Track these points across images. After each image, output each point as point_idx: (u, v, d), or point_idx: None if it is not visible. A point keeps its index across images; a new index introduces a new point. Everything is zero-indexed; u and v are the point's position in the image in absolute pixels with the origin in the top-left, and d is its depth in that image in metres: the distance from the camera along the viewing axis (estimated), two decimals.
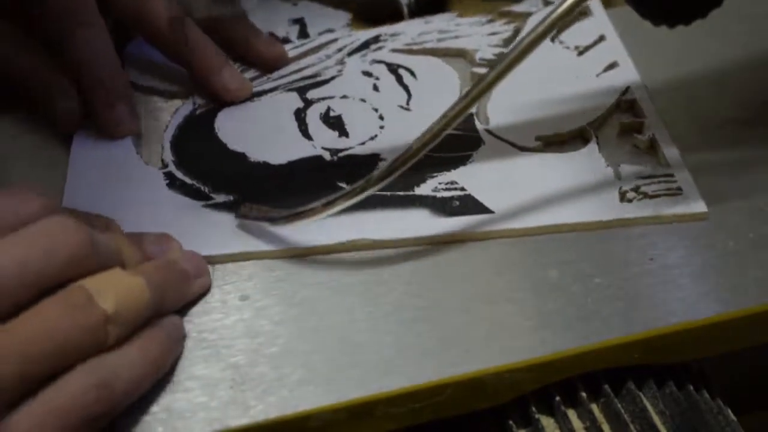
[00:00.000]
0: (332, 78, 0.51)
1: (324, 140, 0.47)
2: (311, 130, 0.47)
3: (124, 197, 0.44)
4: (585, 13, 0.55)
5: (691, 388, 0.40)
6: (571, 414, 0.39)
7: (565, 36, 0.53)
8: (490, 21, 0.55)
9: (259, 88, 0.50)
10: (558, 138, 0.47)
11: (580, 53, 0.52)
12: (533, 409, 0.39)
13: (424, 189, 0.44)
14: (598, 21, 0.54)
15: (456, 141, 0.46)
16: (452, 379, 0.37)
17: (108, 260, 0.36)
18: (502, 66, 0.39)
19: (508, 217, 0.43)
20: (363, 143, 0.47)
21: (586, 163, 0.46)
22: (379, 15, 0.55)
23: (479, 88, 0.39)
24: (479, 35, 0.53)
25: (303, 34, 0.53)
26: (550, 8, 0.53)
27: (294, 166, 0.46)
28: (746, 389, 0.46)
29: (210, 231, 0.42)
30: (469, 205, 0.43)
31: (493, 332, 0.39)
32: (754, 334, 0.41)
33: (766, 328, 0.41)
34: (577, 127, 0.47)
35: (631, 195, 0.44)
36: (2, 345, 0.31)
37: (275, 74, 0.51)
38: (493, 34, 0.53)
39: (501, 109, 0.49)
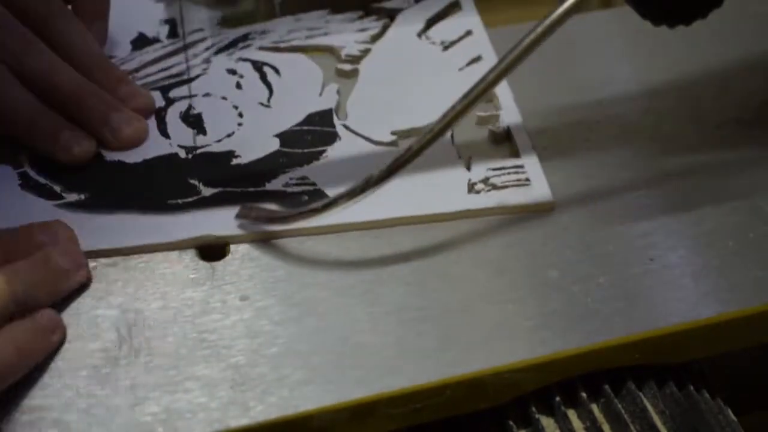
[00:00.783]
0: (197, 77, 0.51)
1: (181, 138, 0.47)
2: (170, 129, 0.47)
3: None
4: (456, 7, 0.55)
5: (692, 388, 0.40)
6: (571, 414, 0.39)
7: (432, 31, 0.54)
8: (361, 18, 0.55)
9: None
10: (414, 132, 0.47)
11: (446, 48, 0.53)
12: (533, 409, 0.39)
13: (275, 184, 0.45)
14: (467, 16, 0.55)
15: (311, 136, 0.47)
16: (452, 380, 0.37)
17: None
18: (501, 67, 0.39)
19: (356, 210, 0.42)
20: (219, 140, 0.47)
21: (439, 156, 0.46)
22: (253, 13, 0.55)
23: (479, 89, 0.39)
24: (348, 32, 0.54)
25: (173, 33, 0.53)
26: (420, 4, 0.55)
27: (149, 165, 0.46)
28: (746, 389, 0.46)
29: None
30: (317, 199, 0.43)
31: (493, 332, 0.39)
32: (754, 334, 0.41)
33: (766, 328, 0.41)
34: (434, 121, 0.48)
35: (479, 186, 0.44)
36: None
37: (141, 73, 0.51)
38: (362, 30, 0.54)
39: (361, 104, 0.49)
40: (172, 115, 0.48)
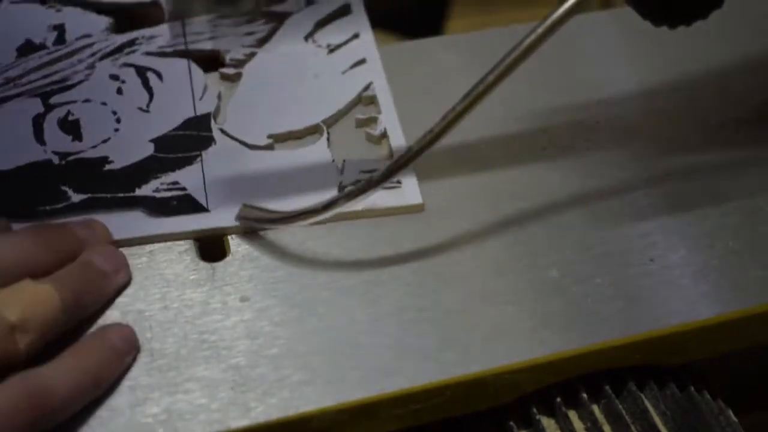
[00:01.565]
0: (79, 82, 0.50)
1: (57, 145, 0.46)
2: (46, 136, 0.47)
3: None
4: (347, 11, 0.55)
5: (692, 388, 0.40)
6: (572, 415, 0.39)
7: (319, 35, 0.54)
8: (249, 21, 0.54)
9: (4, 95, 0.49)
10: (291, 136, 0.47)
11: (331, 51, 0.52)
12: (534, 409, 0.39)
13: (146, 190, 0.44)
14: (356, 19, 0.54)
15: (186, 141, 0.47)
16: (453, 380, 0.37)
17: (10, 275, 0.37)
18: (501, 68, 0.39)
19: (222, 215, 0.43)
20: (95, 146, 0.46)
21: (313, 159, 0.46)
22: (143, 17, 0.54)
23: (478, 90, 0.39)
24: (235, 35, 0.53)
25: (60, 40, 0.53)
26: (311, 8, 0.55)
27: (21, 171, 0.45)
28: (746, 389, 0.46)
29: None
30: (186, 204, 0.43)
31: (493, 333, 0.39)
32: (754, 334, 0.41)
33: (766, 328, 0.41)
34: (311, 124, 0.48)
35: (349, 189, 0.43)
36: None
37: (24, 80, 0.50)
38: (250, 34, 0.53)
39: (240, 108, 0.49)
40: (50, 122, 0.47)
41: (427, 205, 0.44)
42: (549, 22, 0.38)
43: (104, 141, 0.47)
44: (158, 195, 0.44)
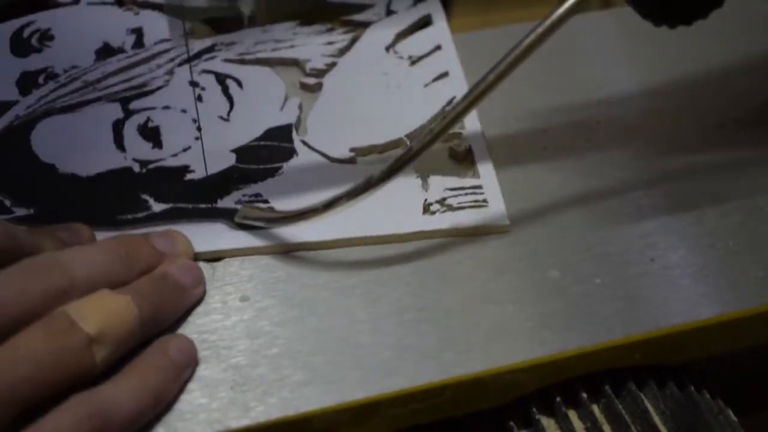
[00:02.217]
0: (158, 88, 0.49)
1: (137, 152, 0.46)
2: (126, 142, 0.46)
3: None
4: (427, 23, 0.54)
5: (692, 388, 0.40)
6: (572, 415, 0.39)
7: (400, 46, 0.53)
8: (329, 30, 0.54)
9: (83, 98, 0.49)
10: (372, 150, 0.46)
11: (413, 63, 0.52)
12: (534, 409, 0.39)
13: (227, 201, 0.44)
14: (438, 30, 0.54)
15: (269, 152, 0.46)
16: (453, 380, 0.37)
17: (88, 284, 0.36)
18: (501, 68, 0.39)
19: (306, 229, 0.42)
20: (175, 155, 0.46)
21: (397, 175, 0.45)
22: (221, 24, 0.54)
23: (478, 90, 0.39)
24: (315, 44, 0.53)
25: (139, 44, 0.52)
26: (391, 18, 0.55)
27: (102, 178, 0.45)
28: (746, 389, 0.46)
29: None
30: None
31: (493, 333, 0.39)
32: (754, 334, 0.41)
33: (766, 328, 0.41)
34: (394, 139, 0.47)
35: (435, 207, 0.43)
36: None
37: (101, 84, 0.49)
38: (330, 43, 0.53)
39: (322, 120, 0.48)
40: (130, 128, 0.47)
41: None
42: (549, 22, 0.38)
43: (185, 150, 0.46)
44: (239, 207, 0.43)
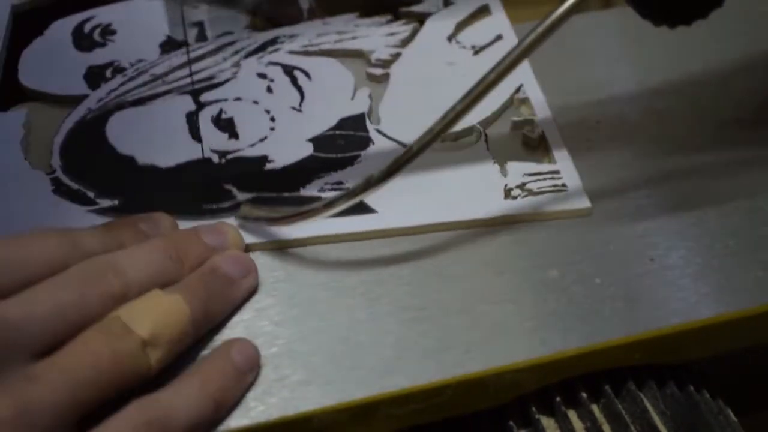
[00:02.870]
0: (227, 80, 0.50)
1: (214, 143, 0.47)
2: (202, 133, 0.47)
3: (10, 201, 0.43)
4: (486, 11, 0.55)
5: (692, 388, 0.40)
6: (572, 414, 0.39)
7: (462, 36, 0.54)
8: (389, 21, 0.55)
9: (153, 92, 0.50)
10: (447, 137, 0.47)
11: (476, 53, 0.53)
12: (534, 409, 0.39)
13: (310, 189, 0.44)
14: (497, 20, 0.55)
15: (345, 141, 0.47)
16: (453, 380, 0.37)
17: (141, 286, 0.36)
18: (501, 67, 0.39)
19: (390, 216, 0.43)
20: (252, 145, 0.47)
21: (473, 161, 0.46)
22: (280, 17, 0.55)
23: (479, 89, 0.39)
24: (377, 36, 0.53)
25: (202, 37, 0.53)
26: (450, 8, 0.55)
27: (182, 169, 0.45)
28: (746, 389, 0.46)
29: None
30: (353, 205, 0.43)
31: (493, 332, 0.39)
32: (754, 334, 0.41)
33: (766, 328, 0.41)
34: (467, 126, 0.48)
35: (515, 192, 0.44)
36: (51, 377, 0.32)
37: (170, 77, 0.51)
38: (391, 34, 0.53)
39: (393, 109, 0.49)
40: (204, 119, 0.48)
41: None
42: (549, 21, 0.38)
43: (261, 140, 0.47)
44: (324, 195, 0.44)
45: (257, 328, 0.39)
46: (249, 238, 0.42)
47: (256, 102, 0.49)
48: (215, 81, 0.50)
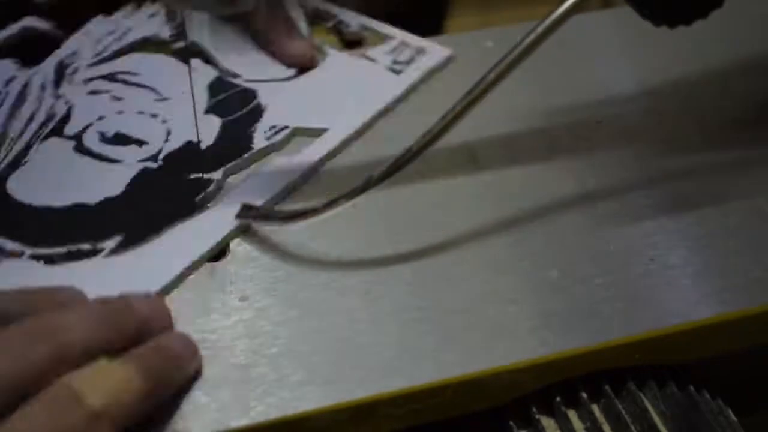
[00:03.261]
0: (70, 110, 0.48)
1: (134, 156, 0.46)
2: (114, 154, 0.46)
3: None
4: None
5: (692, 388, 0.40)
6: (572, 415, 0.39)
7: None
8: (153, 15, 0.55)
9: (18, 152, 0.46)
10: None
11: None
12: (534, 409, 0.39)
13: (260, 140, 0.47)
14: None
15: (233, 99, 0.49)
16: (453, 380, 0.37)
17: (87, 350, 0.33)
18: (502, 67, 0.39)
19: (339, 128, 0.48)
20: (167, 140, 0.47)
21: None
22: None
23: (478, 90, 0.39)
24: (151, 24, 0.54)
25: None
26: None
27: (134, 187, 0.44)
28: (746, 389, 0.46)
29: None
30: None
31: (493, 333, 0.39)
32: (754, 334, 0.41)
33: (766, 328, 0.41)
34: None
35: (398, 67, 0.51)
36: None
37: (25, 132, 0.47)
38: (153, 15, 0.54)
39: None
40: (99, 146, 0.46)
41: (428, 205, 0.44)
42: (549, 21, 0.38)
43: (169, 133, 0.47)
44: (272, 140, 0.47)
45: (257, 328, 0.39)
46: (249, 238, 0.42)
47: (120, 112, 0.48)
48: (61, 116, 0.48)
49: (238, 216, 0.43)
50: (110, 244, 0.42)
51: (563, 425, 0.39)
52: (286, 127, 0.48)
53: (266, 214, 0.42)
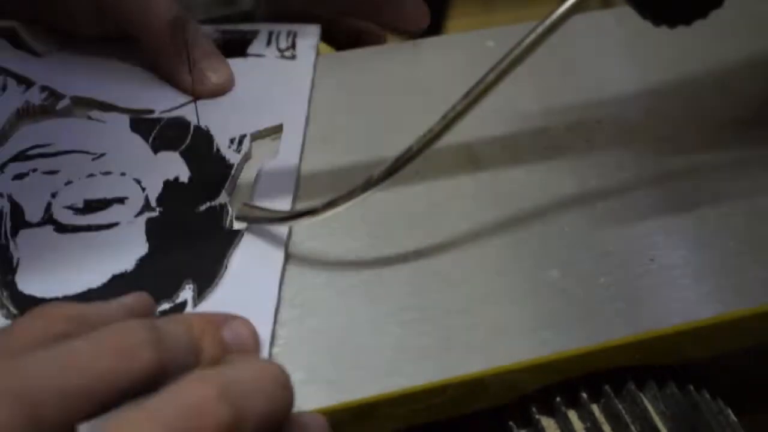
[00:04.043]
0: (12, 200, 0.43)
1: (121, 215, 0.43)
2: (104, 219, 0.43)
3: None
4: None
5: (692, 388, 0.40)
6: (572, 415, 0.39)
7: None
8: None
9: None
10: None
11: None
12: (534, 409, 0.39)
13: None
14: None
15: (166, 128, 0.48)
16: (453, 380, 0.37)
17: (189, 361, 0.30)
18: (502, 66, 0.39)
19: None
20: (144, 191, 0.44)
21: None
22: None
23: (479, 90, 0.39)
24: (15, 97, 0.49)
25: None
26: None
27: (155, 239, 0.42)
28: (746, 389, 0.46)
29: None
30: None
31: (493, 333, 0.39)
32: (754, 334, 0.41)
33: (766, 328, 0.41)
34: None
35: (287, 54, 0.52)
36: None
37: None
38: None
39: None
40: (71, 217, 0.43)
41: (428, 205, 0.44)
42: (549, 21, 0.38)
43: (138, 181, 0.44)
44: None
45: None
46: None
47: (69, 182, 0.44)
48: (8, 213, 0.43)
49: (238, 216, 0.43)
50: (185, 295, 0.39)
51: (563, 425, 0.39)
52: (244, 135, 0.47)
53: (266, 214, 0.42)
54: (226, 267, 0.41)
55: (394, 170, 0.39)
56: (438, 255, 0.42)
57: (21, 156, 0.46)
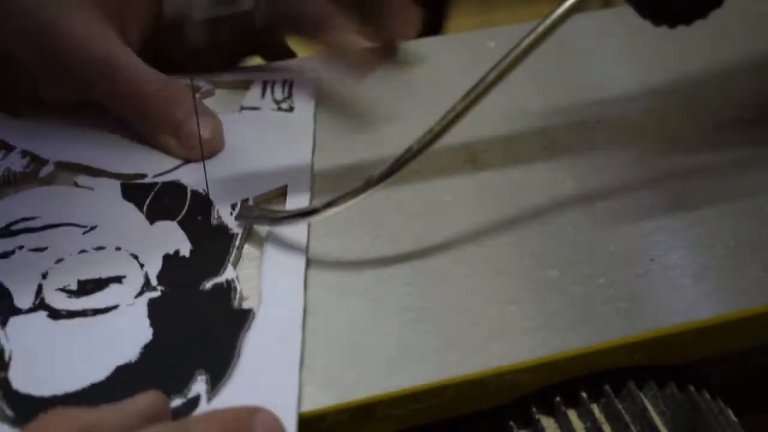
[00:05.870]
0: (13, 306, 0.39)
1: (120, 296, 0.39)
2: (101, 302, 0.39)
3: None
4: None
5: (692, 388, 0.40)
6: (572, 414, 0.39)
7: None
8: None
9: None
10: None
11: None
12: (534, 409, 0.39)
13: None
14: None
15: (164, 197, 0.44)
16: (453, 380, 0.37)
17: None
18: (502, 66, 0.39)
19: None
20: (142, 266, 0.41)
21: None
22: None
23: (479, 90, 0.39)
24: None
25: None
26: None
27: (160, 323, 0.38)
28: (746, 389, 0.46)
29: None
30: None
31: (494, 333, 0.39)
32: (754, 334, 0.41)
33: (766, 328, 0.41)
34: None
35: (284, 105, 0.50)
36: None
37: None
38: None
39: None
40: (64, 301, 0.39)
41: (428, 205, 0.45)
42: (549, 21, 0.38)
43: (135, 256, 0.41)
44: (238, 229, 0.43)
45: None
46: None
47: (60, 260, 0.40)
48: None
49: (238, 216, 0.43)
50: (198, 388, 0.36)
51: (563, 425, 0.39)
52: (246, 199, 0.44)
53: (266, 215, 0.42)
54: (240, 352, 0.37)
55: (394, 170, 0.39)
56: (438, 255, 0.42)
57: (5, 232, 0.42)
